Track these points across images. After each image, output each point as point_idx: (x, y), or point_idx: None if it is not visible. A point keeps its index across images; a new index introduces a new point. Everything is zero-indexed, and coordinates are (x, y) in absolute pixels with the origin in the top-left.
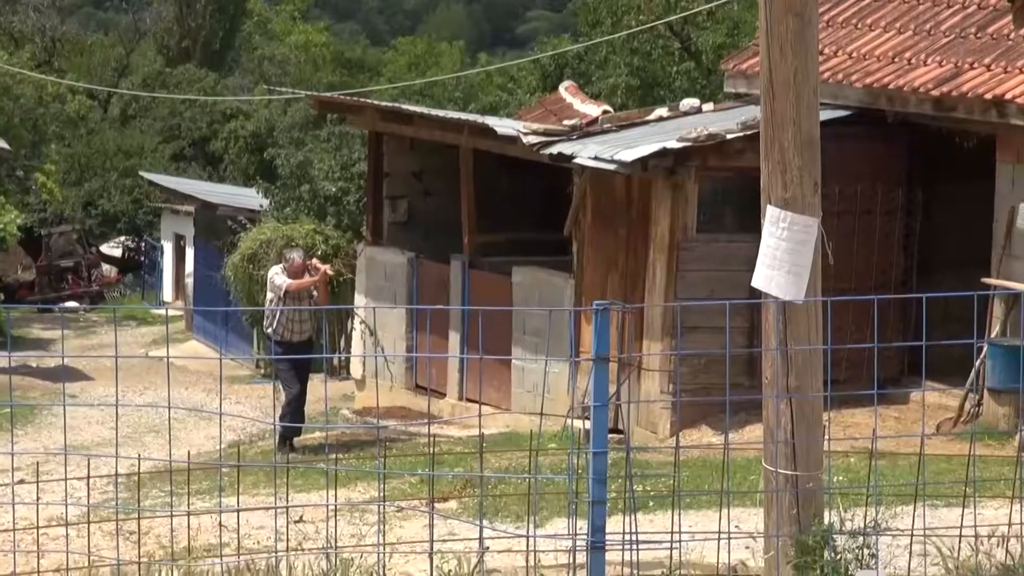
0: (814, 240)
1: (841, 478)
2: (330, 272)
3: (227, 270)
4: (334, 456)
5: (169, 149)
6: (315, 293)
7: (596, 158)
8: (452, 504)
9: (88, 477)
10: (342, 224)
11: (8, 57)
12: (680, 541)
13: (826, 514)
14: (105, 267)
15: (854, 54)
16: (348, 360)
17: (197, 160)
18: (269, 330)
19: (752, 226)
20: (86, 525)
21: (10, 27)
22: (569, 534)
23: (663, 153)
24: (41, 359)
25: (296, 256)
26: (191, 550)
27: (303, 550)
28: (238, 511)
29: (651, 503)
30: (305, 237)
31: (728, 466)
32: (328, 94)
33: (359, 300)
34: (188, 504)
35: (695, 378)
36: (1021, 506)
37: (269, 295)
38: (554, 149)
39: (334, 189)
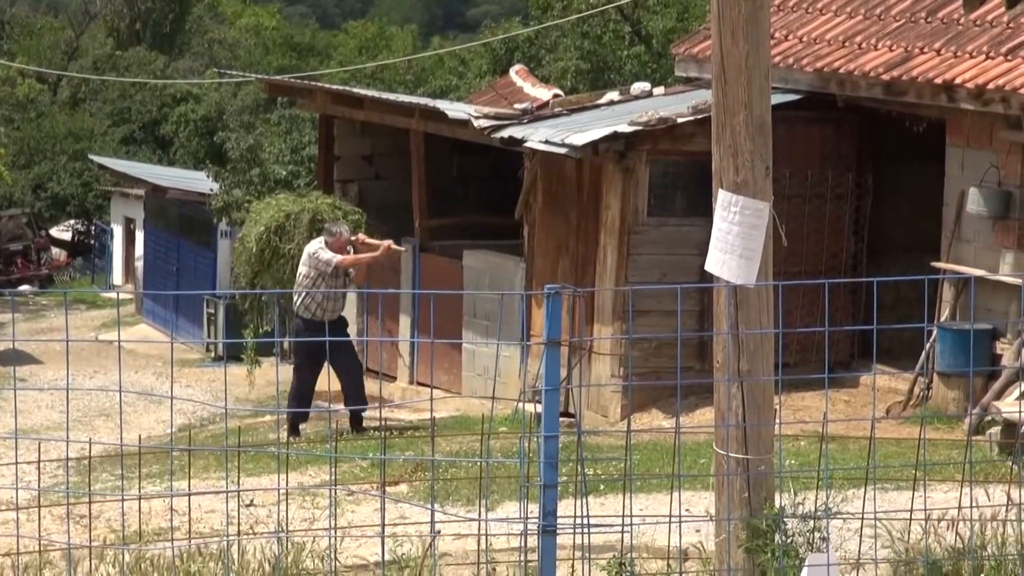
0: (765, 224)
1: (792, 462)
2: (399, 248)
3: (243, 242)
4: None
5: (119, 132)
6: (352, 271)
7: (547, 142)
8: (403, 488)
9: (38, 461)
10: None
11: None
12: (631, 524)
13: (777, 497)
14: (55, 250)
15: (805, 38)
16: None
17: (147, 143)
18: (300, 307)
19: (703, 210)
20: (36, 509)
21: None
22: (520, 518)
23: (614, 137)
24: None
25: (344, 231)
26: (142, 534)
27: (254, 534)
28: (189, 495)
29: (602, 487)
30: (330, 211)
31: (679, 450)
32: (278, 77)
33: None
34: (139, 488)
35: (646, 362)
36: (971, 489)
37: (304, 270)
38: (505, 133)
39: (284, 173)
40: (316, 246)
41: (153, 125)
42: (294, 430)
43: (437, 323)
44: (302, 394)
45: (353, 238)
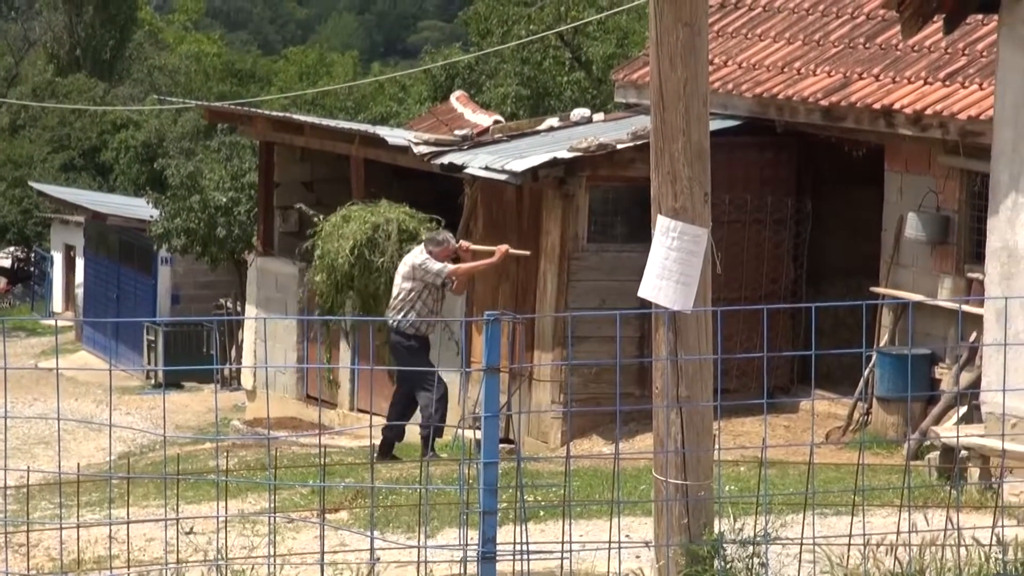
0: (704, 250)
1: (731, 487)
2: (523, 252)
3: (325, 261)
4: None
5: (59, 159)
6: (454, 281)
7: (487, 168)
8: (343, 515)
9: None
10: (232, 235)
11: None
12: (571, 551)
13: (716, 523)
14: None
15: (744, 64)
16: (239, 371)
17: (87, 170)
18: (404, 324)
19: (643, 236)
20: None
21: None
22: (460, 544)
23: (554, 163)
24: None
25: (451, 240)
26: (81, 562)
27: (194, 562)
28: (128, 523)
29: (542, 513)
30: (410, 221)
31: (619, 476)
32: (219, 104)
33: (250, 311)
34: (78, 516)
35: (586, 388)
36: (910, 514)
37: (408, 284)
38: (445, 159)
39: (225, 199)
40: (421, 257)
41: (93, 152)
42: (428, 445)
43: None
44: (444, 406)
45: (455, 246)
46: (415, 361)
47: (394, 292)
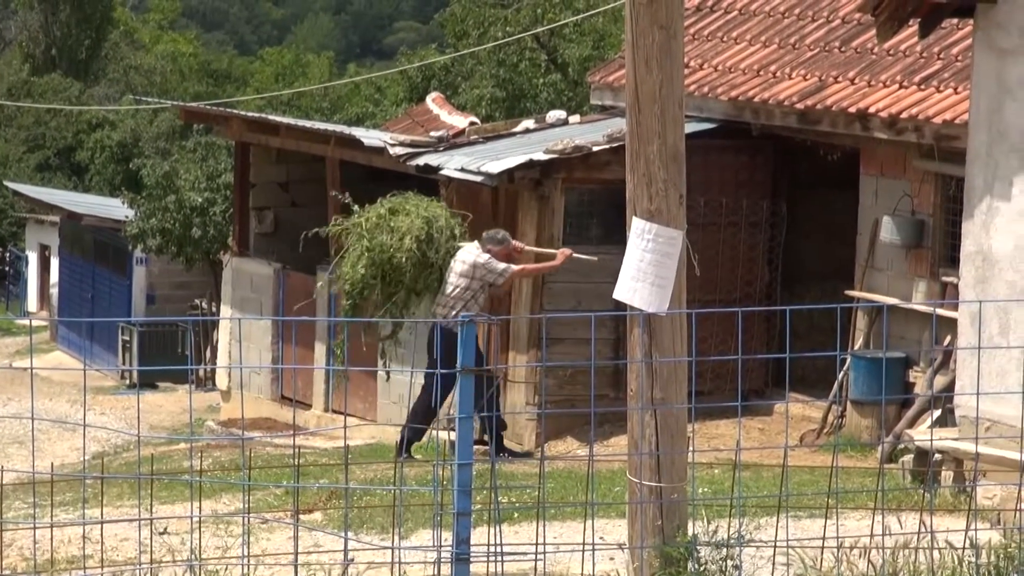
0: (679, 252)
1: (705, 489)
2: (588, 258)
3: (374, 255)
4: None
5: (34, 159)
6: (501, 280)
7: (463, 170)
8: (317, 516)
9: None
10: (208, 235)
11: None
12: (545, 552)
13: (690, 525)
14: None
15: (720, 67)
16: (214, 371)
17: (62, 170)
18: (453, 322)
19: (618, 238)
20: None
21: None
22: (434, 546)
23: (530, 165)
24: None
25: (510, 239)
26: (54, 562)
27: (167, 562)
28: (102, 523)
29: (516, 514)
30: (445, 214)
31: (593, 478)
32: (195, 104)
33: (225, 311)
34: (52, 516)
35: (561, 390)
36: (883, 517)
37: (464, 282)
38: (421, 160)
39: (200, 200)
40: (484, 256)
41: (69, 152)
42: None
43: (352, 350)
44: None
45: (513, 245)
46: (452, 359)
47: (447, 289)
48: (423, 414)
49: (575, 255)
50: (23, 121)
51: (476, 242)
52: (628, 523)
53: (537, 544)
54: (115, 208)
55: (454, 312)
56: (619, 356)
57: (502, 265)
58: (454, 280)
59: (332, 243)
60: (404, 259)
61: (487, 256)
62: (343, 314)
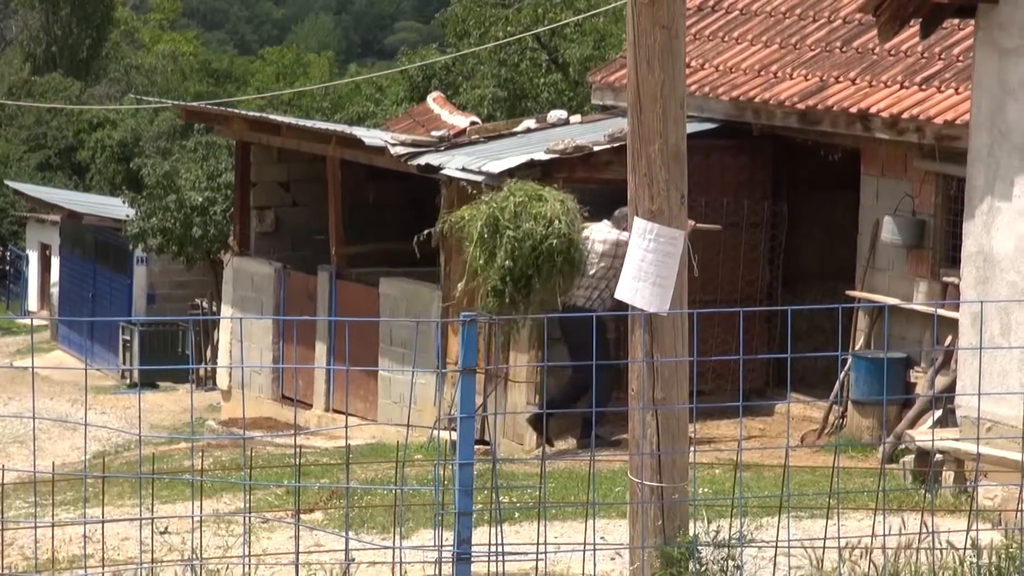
0: (680, 252)
1: (706, 490)
2: (711, 227)
3: (509, 246)
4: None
5: (35, 158)
6: None
7: (463, 169)
8: (318, 515)
9: None
10: (208, 235)
11: None
12: (546, 552)
13: (691, 526)
14: None
15: (721, 67)
16: (214, 371)
17: (63, 169)
18: (597, 302)
19: None
20: None
21: None
22: (435, 545)
23: (530, 165)
24: None
25: None
26: (55, 561)
27: (168, 561)
28: (103, 522)
29: (517, 514)
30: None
31: (594, 478)
32: (195, 104)
33: (225, 311)
34: (52, 515)
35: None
36: (884, 517)
37: (606, 263)
38: (421, 160)
39: (201, 199)
40: (624, 234)
41: (69, 151)
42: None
43: (353, 350)
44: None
45: None
46: (597, 340)
47: (589, 270)
48: (571, 400)
49: (698, 225)
50: (24, 120)
51: (606, 221)
52: (629, 523)
53: (538, 544)
54: (116, 207)
55: (597, 293)
56: (620, 356)
57: None
58: (595, 261)
59: (332, 242)
60: (556, 243)
61: (624, 235)
62: (489, 312)
